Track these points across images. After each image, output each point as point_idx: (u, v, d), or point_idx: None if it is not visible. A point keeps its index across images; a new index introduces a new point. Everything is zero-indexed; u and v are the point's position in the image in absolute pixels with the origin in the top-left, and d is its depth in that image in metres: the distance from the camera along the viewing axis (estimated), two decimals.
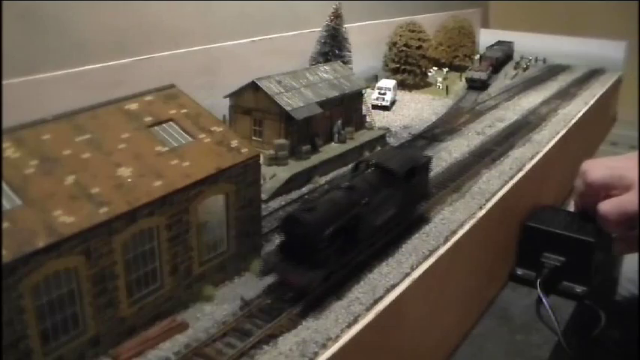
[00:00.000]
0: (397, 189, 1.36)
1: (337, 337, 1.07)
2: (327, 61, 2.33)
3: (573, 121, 2.51)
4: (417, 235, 1.46)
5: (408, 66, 3.08)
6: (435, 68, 3.46)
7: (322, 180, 1.82)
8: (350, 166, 1.95)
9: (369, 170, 1.40)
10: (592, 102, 2.87)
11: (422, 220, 1.52)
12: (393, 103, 2.77)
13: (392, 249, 1.39)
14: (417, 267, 1.31)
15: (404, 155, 1.50)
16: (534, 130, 2.36)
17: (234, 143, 1.26)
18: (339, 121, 2.02)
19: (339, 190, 1.25)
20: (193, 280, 1.17)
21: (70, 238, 0.92)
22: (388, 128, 2.27)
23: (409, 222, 1.48)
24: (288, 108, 1.79)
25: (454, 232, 1.48)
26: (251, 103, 1.85)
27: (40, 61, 1.70)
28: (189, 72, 2.04)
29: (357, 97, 2.16)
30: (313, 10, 2.61)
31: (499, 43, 3.98)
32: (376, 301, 1.18)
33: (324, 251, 1.14)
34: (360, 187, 1.28)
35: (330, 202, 1.20)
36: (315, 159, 1.86)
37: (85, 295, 0.97)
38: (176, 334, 1.07)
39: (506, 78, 3.52)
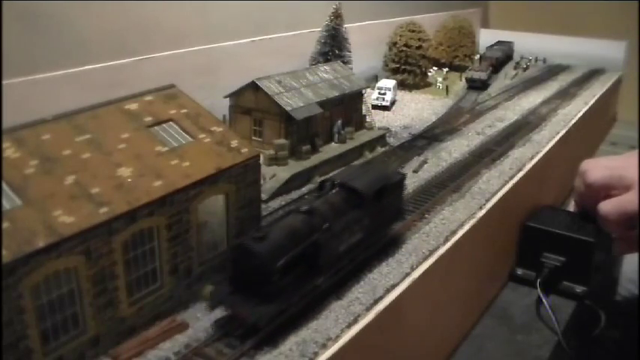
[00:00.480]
0: (364, 211, 1.25)
1: (337, 337, 1.07)
2: (327, 61, 2.33)
3: (573, 121, 2.51)
4: (417, 235, 1.46)
5: (408, 66, 3.08)
6: (435, 68, 3.47)
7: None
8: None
9: (334, 191, 1.27)
10: (592, 102, 2.87)
11: (395, 243, 1.41)
12: (393, 103, 2.77)
13: (392, 249, 1.39)
14: (417, 267, 1.31)
15: (373, 174, 1.37)
16: (534, 130, 2.37)
17: (234, 143, 1.26)
18: (339, 121, 2.02)
19: (297, 215, 1.14)
20: (193, 280, 1.17)
21: (70, 238, 0.92)
22: (388, 128, 2.27)
23: (380, 245, 1.37)
24: (288, 108, 1.79)
25: (454, 232, 1.48)
26: (251, 103, 1.85)
27: (40, 61, 1.70)
28: (189, 72, 2.04)
29: (357, 97, 2.16)
30: (313, 10, 2.61)
31: (499, 43, 3.98)
32: (376, 301, 1.18)
33: (277, 283, 1.04)
34: (320, 210, 1.17)
35: (284, 229, 1.09)
36: (315, 159, 1.86)
37: (85, 295, 0.96)
38: (176, 334, 1.07)
39: (506, 78, 3.52)
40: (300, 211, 1.15)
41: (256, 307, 1.02)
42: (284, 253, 1.04)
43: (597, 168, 1.67)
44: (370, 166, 1.47)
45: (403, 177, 1.45)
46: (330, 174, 1.87)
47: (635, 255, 1.79)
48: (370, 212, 1.26)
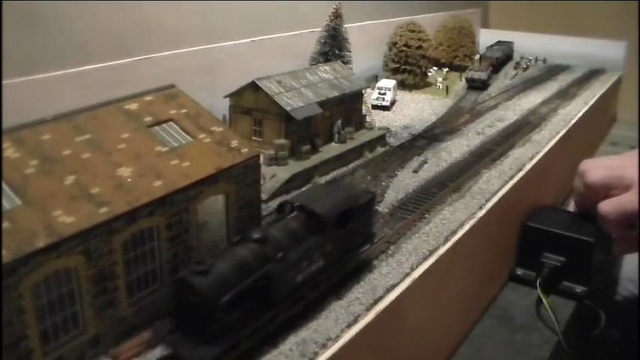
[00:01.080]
0: (326, 237, 1.14)
1: (337, 337, 1.07)
2: (327, 61, 2.33)
3: (573, 121, 2.51)
4: (417, 235, 1.46)
5: (408, 66, 3.08)
6: (435, 68, 3.47)
7: (322, 180, 1.82)
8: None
9: (292, 214, 1.17)
10: (592, 102, 2.87)
11: (365, 268, 1.30)
12: (393, 103, 2.77)
13: (392, 249, 1.39)
14: (417, 267, 1.31)
15: (338, 194, 1.25)
16: (534, 130, 2.37)
17: (234, 143, 1.26)
18: (339, 121, 2.02)
19: (247, 243, 1.05)
20: None
21: (70, 238, 0.92)
22: (388, 128, 2.27)
23: (347, 271, 1.26)
24: (288, 108, 1.79)
25: (454, 232, 1.48)
26: (251, 103, 1.85)
27: (40, 61, 1.70)
28: (189, 72, 2.04)
29: (357, 97, 2.16)
30: (313, 10, 2.61)
31: (499, 43, 3.98)
32: (376, 301, 1.18)
33: (223, 321, 0.96)
34: (275, 237, 1.08)
35: (231, 260, 1.00)
36: (315, 159, 1.86)
37: (85, 295, 0.97)
38: None
39: (506, 78, 3.52)
40: (251, 238, 1.05)
41: (199, 347, 0.94)
42: (230, 287, 0.96)
43: (597, 168, 1.67)
44: (337, 184, 1.32)
45: (373, 197, 1.33)
46: (330, 174, 1.87)
47: (635, 255, 1.79)
48: (333, 238, 1.16)
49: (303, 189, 1.31)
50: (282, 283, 1.06)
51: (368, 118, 2.23)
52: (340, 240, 1.19)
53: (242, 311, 1.00)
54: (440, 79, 3.27)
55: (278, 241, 1.07)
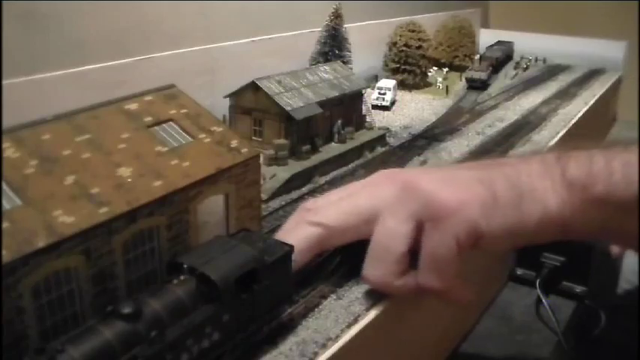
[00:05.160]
0: (222, 306, 0.95)
1: (337, 337, 1.07)
2: (327, 61, 2.33)
3: (573, 121, 2.51)
4: None
5: (408, 66, 3.08)
6: (435, 68, 3.47)
7: (322, 180, 1.82)
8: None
9: (180, 278, 0.99)
10: (592, 102, 2.87)
11: (285, 331, 1.10)
12: (393, 103, 2.77)
13: None
14: None
15: (241, 251, 1.02)
16: (534, 130, 2.37)
17: (234, 143, 1.26)
18: (339, 121, 2.02)
19: (113, 322, 0.87)
20: None
21: (70, 238, 0.91)
22: (388, 128, 2.27)
23: (260, 338, 1.07)
24: (288, 108, 1.80)
25: None
26: (251, 103, 1.85)
27: (40, 61, 1.70)
28: (189, 72, 2.04)
29: (357, 97, 2.16)
30: (313, 10, 2.61)
31: (499, 43, 3.98)
32: (376, 301, 1.18)
33: None
34: (152, 310, 0.88)
35: (88, 345, 0.82)
36: (315, 159, 1.86)
37: (85, 296, 0.96)
38: None
39: (506, 78, 3.52)
40: (119, 314, 0.88)
41: None
42: None
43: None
44: (246, 236, 1.11)
45: (289, 250, 1.11)
46: (331, 174, 1.87)
47: (635, 255, 1.79)
48: (231, 306, 0.99)
49: (203, 243, 1.09)
50: None
51: (368, 118, 2.23)
52: (242, 307, 1.01)
53: None
54: (440, 79, 3.27)
55: (155, 315, 0.89)
